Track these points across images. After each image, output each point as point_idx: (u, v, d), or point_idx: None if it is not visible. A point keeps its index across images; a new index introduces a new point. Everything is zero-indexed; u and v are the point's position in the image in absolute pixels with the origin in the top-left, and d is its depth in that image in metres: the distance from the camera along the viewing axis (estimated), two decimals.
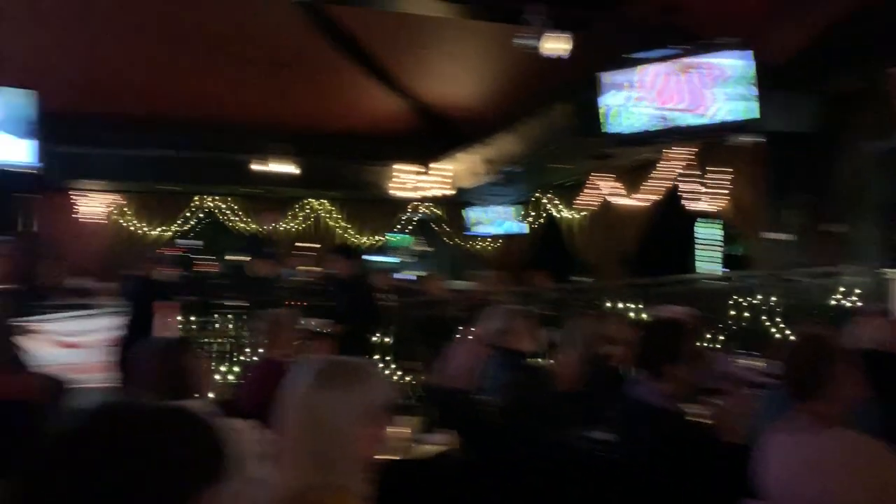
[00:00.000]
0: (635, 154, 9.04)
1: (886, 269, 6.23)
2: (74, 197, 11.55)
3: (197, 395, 2.69)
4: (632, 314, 7.55)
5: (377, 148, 11.69)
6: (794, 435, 2.33)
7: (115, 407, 0.98)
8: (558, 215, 12.03)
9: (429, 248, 14.58)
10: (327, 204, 12.80)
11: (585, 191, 10.98)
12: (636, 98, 7.37)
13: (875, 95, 6.35)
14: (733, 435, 2.88)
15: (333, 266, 6.37)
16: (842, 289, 6.16)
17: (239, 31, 9.47)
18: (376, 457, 1.88)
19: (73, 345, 8.29)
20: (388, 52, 10.46)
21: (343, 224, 12.82)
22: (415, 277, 11.77)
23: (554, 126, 8.93)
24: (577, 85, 8.04)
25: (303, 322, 6.64)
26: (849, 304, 5.96)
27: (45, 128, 8.11)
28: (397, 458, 3.42)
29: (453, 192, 12.04)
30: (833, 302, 6.16)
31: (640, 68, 7.29)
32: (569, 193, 11.76)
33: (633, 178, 9.96)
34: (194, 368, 2.71)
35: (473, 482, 2.97)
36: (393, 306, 7.36)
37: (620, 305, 8.05)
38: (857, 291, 6.10)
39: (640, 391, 3.01)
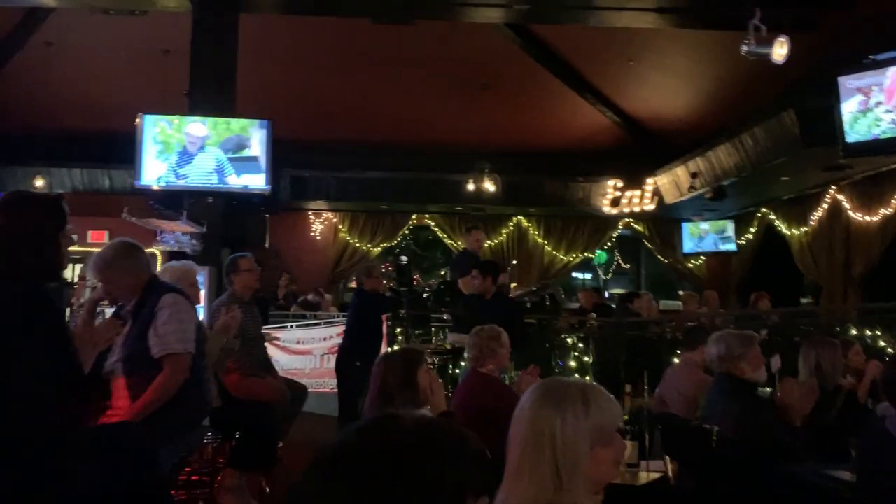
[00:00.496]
0: (876, 164, 8.17)
1: None
2: (301, 216, 12.64)
3: (428, 407, 2.82)
4: (869, 342, 6.80)
5: (583, 164, 11.62)
6: None
7: (388, 421, 1.02)
8: (783, 231, 11.13)
9: (632, 266, 14.18)
10: (532, 221, 12.87)
11: (814, 204, 10.11)
12: (879, 103, 6.68)
13: None
14: None
15: (475, 283, 6.33)
16: None
17: (450, 54, 9.89)
18: (607, 479, 1.86)
19: (301, 352, 9.07)
20: (594, 67, 10.40)
21: (546, 240, 12.82)
22: (619, 295, 11.47)
23: (777, 135, 8.31)
24: (804, 90, 7.46)
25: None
26: None
27: (277, 153, 8.98)
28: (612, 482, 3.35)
29: (661, 207, 11.63)
30: None
31: (885, 71, 6.60)
32: (791, 207, 10.90)
33: (870, 189, 9.03)
34: (427, 380, 2.84)
35: None
36: (593, 325, 7.22)
37: (854, 332, 7.27)
38: None
39: (887, 426, 2.71)
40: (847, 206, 9.71)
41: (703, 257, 12.95)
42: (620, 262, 14.35)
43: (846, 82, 6.86)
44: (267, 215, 9.38)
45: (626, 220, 12.62)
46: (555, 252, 12.83)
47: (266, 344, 5.42)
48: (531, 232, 12.86)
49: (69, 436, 2.22)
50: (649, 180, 11.55)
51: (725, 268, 12.73)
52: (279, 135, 8.73)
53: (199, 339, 3.33)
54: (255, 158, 8.37)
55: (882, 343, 6.59)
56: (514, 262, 12.03)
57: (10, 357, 2.13)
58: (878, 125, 6.76)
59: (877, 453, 2.77)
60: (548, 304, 8.96)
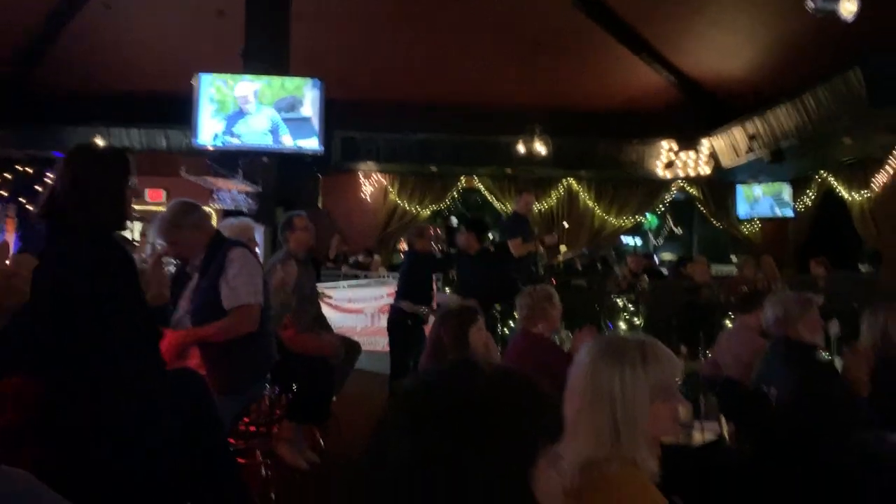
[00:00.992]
0: None
1: None
2: (351, 178, 12.72)
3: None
4: None
5: (637, 125, 11.37)
6: None
7: (467, 366, 1.04)
8: (844, 196, 10.77)
9: (684, 231, 13.92)
10: (583, 184, 12.70)
11: (877, 168, 9.76)
12: None
13: None
14: None
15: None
16: None
17: (502, 13, 9.74)
18: (666, 435, 1.87)
19: (353, 310, 9.22)
20: (650, 25, 10.14)
21: (597, 204, 12.65)
22: (673, 260, 11.30)
23: (840, 96, 8.01)
24: (871, 49, 7.15)
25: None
26: None
27: (328, 114, 9.03)
28: (667, 442, 3.36)
29: (716, 170, 11.36)
30: None
31: None
32: (853, 171, 10.53)
33: None
34: (481, 339, 2.87)
35: (750, 474, 2.82)
36: (644, 289, 7.16)
37: None
38: None
39: None
40: None
41: (758, 222, 12.65)
42: (672, 226, 14.10)
43: None
44: (319, 176, 9.47)
45: (680, 183, 12.36)
46: (605, 216, 12.67)
47: (320, 302, 5.53)
48: (581, 195, 12.69)
49: (147, 380, 2.32)
50: (705, 142, 11.28)
51: (781, 233, 12.42)
52: (331, 95, 8.82)
53: (265, 293, 3.42)
54: (307, 119, 8.47)
55: None
56: (565, 224, 11.93)
57: (89, 305, 2.22)
58: None
59: None
60: (599, 267, 8.90)
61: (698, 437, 3.41)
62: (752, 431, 3.03)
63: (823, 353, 4.66)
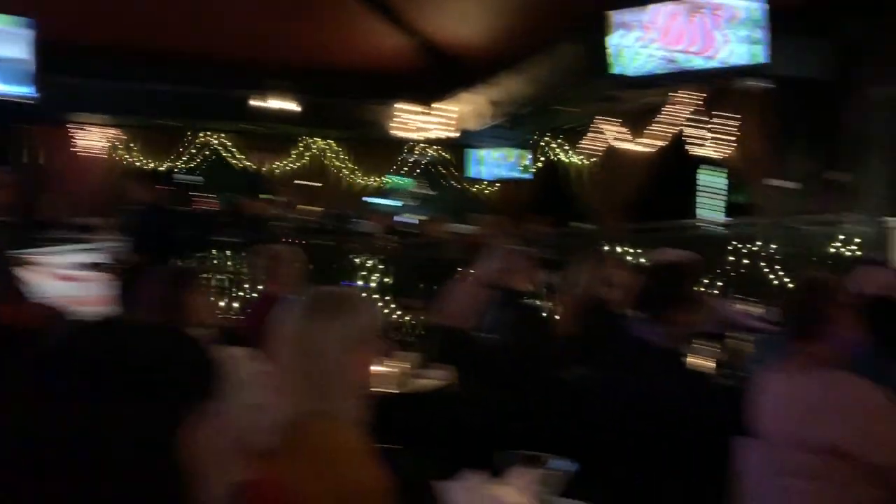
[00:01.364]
0: (642, 97, 8.89)
1: (888, 218, 6.20)
2: (74, 130, 11.43)
3: (200, 326, 2.71)
4: (631, 259, 7.55)
5: (379, 86, 11.49)
6: (788, 375, 2.34)
7: (110, 321, 0.98)
8: (562, 160, 11.89)
9: (431, 192, 14.49)
10: (330, 143, 12.65)
11: (590, 135, 10.84)
12: (644, 39, 7.22)
13: (883, 42, 6.23)
14: None
15: (135, 194, 6.43)
16: (841, 237, 6.17)
17: None
18: (369, 383, 1.90)
19: (72, 278, 8.33)
20: None
21: (344, 164, 12.70)
22: (416, 220, 11.72)
23: (561, 67, 8.76)
24: (587, 24, 7.86)
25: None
26: (848, 253, 5.97)
27: (44, 57, 7.97)
28: (396, 391, 3.47)
29: (457, 133, 11.90)
30: (832, 250, 6.17)
31: (649, 7, 7.13)
32: (575, 137, 11.63)
33: (638, 122, 9.82)
34: (197, 299, 2.72)
35: (470, 415, 3.01)
36: (393, 247, 7.36)
37: (620, 250, 8.04)
38: (857, 240, 6.10)
39: (640, 332, 3.02)
40: (615, 136, 10.48)
41: (495, 184, 13.55)
42: (422, 189, 14.63)
43: (614, 16, 7.33)
44: (34, 127, 8.38)
45: (424, 146, 12.81)
46: (354, 177, 12.77)
47: (26, 269, 4.91)
48: (328, 155, 12.66)
49: None
50: (447, 106, 11.74)
51: (517, 195, 13.41)
52: (48, 37, 7.78)
53: None
54: (19, 61, 7.41)
55: (643, 261, 7.31)
56: (311, 184, 11.84)
57: None
58: (641, 59, 7.32)
59: (631, 356, 3.06)
60: (330, 227, 8.96)
61: (427, 383, 3.58)
62: (473, 375, 3.23)
63: (540, 301, 5.11)
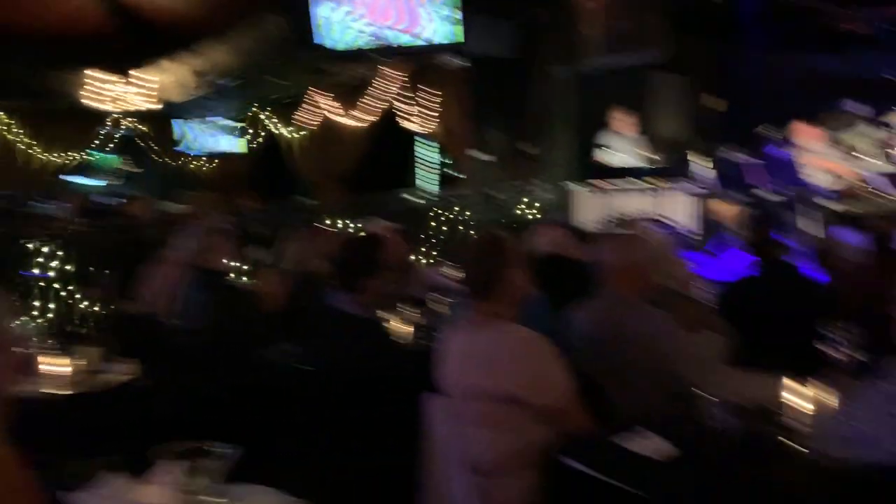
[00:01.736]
0: (350, 71, 8.96)
1: (570, 183, 6.96)
2: None
3: None
4: (351, 231, 7.62)
5: (63, 51, 10.19)
6: (468, 331, 2.46)
7: None
8: (277, 133, 11.60)
9: (137, 168, 13.31)
10: (4, 116, 11.00)
11: (303, 108, 10.70)
12: (350, 12, 7.25)
13: (563, 23, 6.92)
14: None
15: None
16: (525, 200, 6.82)
17: None
18: (9, 386, 1.63)
19: None
20: None
21: (26, 139, 11.13)
22: (114, 201, 10.66)
23: (267, 37, 8.48)
24: None
25: None
26: (532, 216, 6.63)
27: None
28: (74, 391, 3.10)
29: (160, 105, 11.02)
30: (519, 213, 6.81)
31: None
32: (288, 110, 11.39)
33: (351, 95, 9.89)
34: None
35: (159, 407, 2.77)
36: (81, 231, 6.60)
37: (340, 224, 8.08)
38: (537, 204, 6.81)
39: (336, 301, 3.00)
40: (329, 109, 10.48)
41: (215, 160, 12.83)
42: (126, 165, 13.34)
43: None
44: None
45: (126, 119, 11.69)
46: (40, 153, 11.26)
47: None
48: (1, 128, 11.01)
49: None
50: (147, 76, 10.80)
51: (236, 169, 12.82)
52: None
53: None
54: None
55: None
56: None
57: None
58: (347, 33, 7.36)
59: (329, 326, 3.03)
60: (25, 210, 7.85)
61: (111, 378, 3.24)
62: (159, 364, 2.98)
63: (246, 279, 4.92)
